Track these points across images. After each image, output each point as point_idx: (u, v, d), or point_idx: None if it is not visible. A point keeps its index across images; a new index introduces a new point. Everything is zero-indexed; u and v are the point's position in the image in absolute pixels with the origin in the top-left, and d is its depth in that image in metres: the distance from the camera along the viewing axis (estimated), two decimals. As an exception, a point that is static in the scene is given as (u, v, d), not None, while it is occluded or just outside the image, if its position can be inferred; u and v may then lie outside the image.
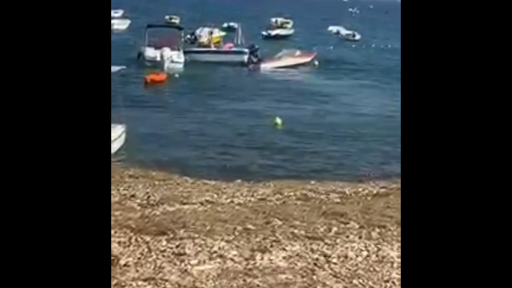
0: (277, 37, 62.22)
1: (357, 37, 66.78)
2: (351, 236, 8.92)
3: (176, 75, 36.03)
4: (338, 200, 12.69)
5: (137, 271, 7.26)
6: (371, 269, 7.63)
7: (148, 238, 8.38)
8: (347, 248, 8.34)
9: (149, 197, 12.01)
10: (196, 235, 8.52)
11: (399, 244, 8.06)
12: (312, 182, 15.09)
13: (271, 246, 8.26)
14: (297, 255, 7.97)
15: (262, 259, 7.77)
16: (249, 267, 7.51)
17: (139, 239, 8.36)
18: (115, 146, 16.85)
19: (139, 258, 7.67)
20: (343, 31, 70.24)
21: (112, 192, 11.40)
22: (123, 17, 64.69)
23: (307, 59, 44.10)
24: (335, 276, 7.36)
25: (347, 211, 10.57)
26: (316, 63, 43.84)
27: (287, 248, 8.17)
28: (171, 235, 8.53)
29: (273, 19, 74.56)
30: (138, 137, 19.69)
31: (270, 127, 23.93)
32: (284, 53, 43.56)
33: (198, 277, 7.11)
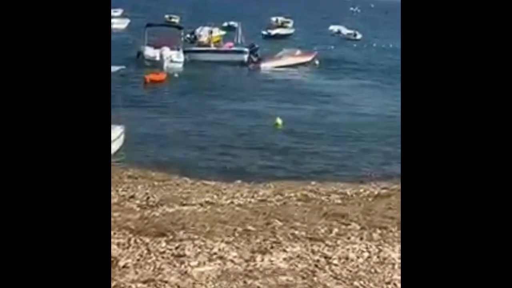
0: (277, 36, 62.22)
1: (358, 36, 66.76)
2: (352, 238, 8.92)
3: (176, 75, 36.04)
4: (339, 201, 12.69)
5: (136, 272, 7.26)
6: (372, 270, 7.63)
7: (147, 240, 8.38)
8: (348, 249, 8.34)
9: (148, 198, 12.01)
10: (196, 237, 8.52)
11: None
12: (313, 183, 15.09)
13: (272, 247, 8.26)
14: (298, 256, 7.97)
15: (262, 260, 7.76)
16: (249, 268, 7.51)
17: (138, 240, 8.36)
18: (113, 147, 16.86)
19: (138, 260, 7.67)
20: (344, 31, 70.22)
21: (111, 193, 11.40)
22: (122, 16, 64.68)
23: (308, 59, 44.12)
24: (336, 277, 7.36)
25: (348, 212, 10.57)
26: (317, 62, 43.85)
27: (287, 250, 8.17)
28: (171, 237, 8.53)
29: (274, 18, 74.53)
30: (137, 137, 19.70)
31: (270, 127, 23.94)
32: (285, 53, 43.57)
33: (198, 278, 7.11)
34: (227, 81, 35.93)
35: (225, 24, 58.51)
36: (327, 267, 7.66)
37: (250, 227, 9.21)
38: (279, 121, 24.30)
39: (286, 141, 21.76)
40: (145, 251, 7.97)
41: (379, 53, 53.03)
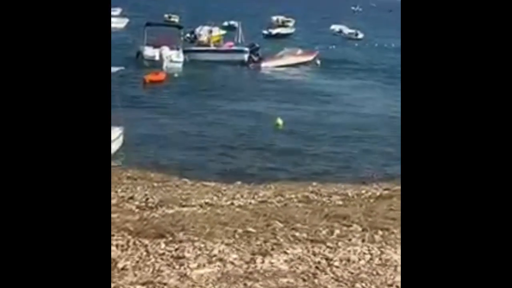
0: (278, 36, 62.26)
1: (360, 36, 66.78)
2: (354, 239, 8.92)
3: (176, 75, 36.06)
4: (341, 203, 12.69)
5: (135, 274, 7.26)
6: (374, 272, 7.64)
7: (146, 241, 8.38)
8: (349, 251, 8.34)
9: (147, 199, 12.02)
10: (196, 238, 8.53)
11: (403, 247, 8.05)
12: (314, 184, 15.10)
13: (272, 249, 8.26)
14: (299, 258, 7.97)
15: (263, 262, 7.77)
16: (250, 270, 7.51)
17: (137, 242, 8.36)
18: (112, 148, 16.88)
19: (137, 262, 7.67)
20: (346, 30, 70.24)
21: (110, 194, 11.39)
22: (121, 15, 64.66)
23: (309, 58, 44.15)
24: (337, 280, 7.37)
25: (349, 213, 10.58)
26: (318, 62, 43.87)
27: (288, 251, 8.17)
28: (170, 238, 8.53)
29: (274, 18, 74.57)
30: (136, 138, 19.71)
31: (271, 128, 23.95)
32: (286, 52, 43.60)
33: (197, 281, 7.11)
34: (227, 81, 35.94)
35: (225, 23, 58.53)
36: (328, 269, 7.66)
37: (250, 229, 9.22)
38: (279, 121, 24.31)
39: (287, 142, 21.77)
40: (144, 253, 7.97)
41: (381, 52, 53.03)
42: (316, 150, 20.86)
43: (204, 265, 7.58)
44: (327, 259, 8.02)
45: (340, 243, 8.66)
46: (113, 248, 7.92)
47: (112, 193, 11.90)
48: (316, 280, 7.29)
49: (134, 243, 8.31)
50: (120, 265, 7.47)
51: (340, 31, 70.74)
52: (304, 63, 43.33)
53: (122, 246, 8.18)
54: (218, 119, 25.25)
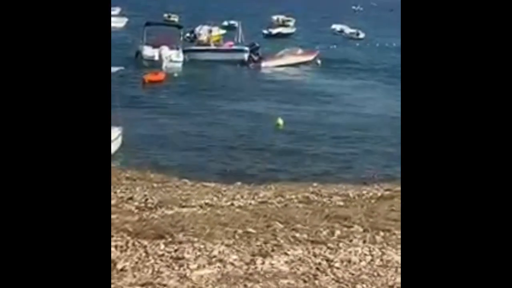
0: (279, 35, 62.25)
1: (361, 35, 66.75)
2: (355, 240, 8.91)
3: (175, 75, 36.07)
4: (341, 203, 12.68)
5: (134, 276, 7.26)
6: (375, 274, 7.63)
7: (146, 242, 8.38)
8: (350, 252, 8.34)
9: (147, 200, 12.01)
10: (195, 239, 8.52)
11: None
12: (315, 184, 15.10)
13: (273, 250, 8.25)
14: (299, 259, 7.97)
15: (263, 263, 7.76)
16: (250, 271, 7.51)
17: (136, 243, 8.36)
18: (111, 149, 16.88)
19: (136, 263, 7.67)
20: (347, 30, 70.20)
21: (109, 194, 11.37)
22: (120, 15, 64.62)
23: (310, 58, 44.14)
24: (338, 281, 7.36)
25: (350, 214, 10.57)
26: (319, 62, 43.86)
27: (288, 252, 8.17)
28: (170, 239, 8.53)
29: (275, 17, 74.54)
30: (135, 138, 19.71)
31: (271, 128, 23.96)
32: (286, 52, 43.60)
33: (197, 282, 7.11)
34: (227, 81, 35.95)
35: (225, 23, 58.54)
36: (329, 270, 7.66)
37: (250, 230, 9.21)
38: (280, 121, 24.31)
39: (287, 142, 21.77)
40: (144, 254, 7.97)
41: (382, 52, 53.01)
42: (317, 150, 20.87)
43: (204, 266, 7.58)
44: (327, 260, 8.01)
45: (341, 244, 8.66)
46: (112, 249, 7.92)
47: (111, 194, 11.90)
48: (316, 281, 7.28)
49: (133, 244, 8.31)
50: (119, 266, 7.47)
51: (341, 31, 70.69)
52: (305, 63, 43.33)
53: (121, 247, 8.17)
54: (218, 119, 25.26)
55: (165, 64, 37.88)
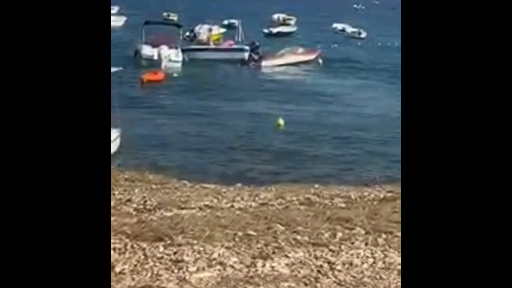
0: (279, 34, 62.23)
1: (363, 34, 66.73)
2: (357, 242, 8.91)
3: (175, 75, 36.07)
4: (343, 205, 12.69)
5: (133, 279, 7.26)
6: (377, 276, 7.63)
7: (144, 245, 8.38)
8: (352, 254, 8.34)
9: (145, 201, 12.01)
10: (195, 241, 8.52)
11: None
12: (316, 186, 15.10)
13: (273, 252, 8.25)
14: (300, 262, 7.97)
15: (263, 266, 7.76)
16: (250, 274, 7.51)
17: (135, 245, 8.36)
18: (109, 149, 16.87)
19: (135, 265, 7.67)
20: (349, 29, 70.18)
21: (107, 196, 11.37)
22: (119, 13, 64.57)
23: (311, 57, 44.12)
24: (339, 284, 7.37)
25: (352, 216, 10.57)
26: (320, 61, 43.85)
27: (289, 255, 8.17)
28: (169, 241, 8.53)
29: (275, 16, 74.54)
30: (134, 139, 19.71)
31: (271, 128, 23.95)
32: (287, 51, 43.59)
33: (196, 285, 7.11)
34: (227, 80, 35.95)
35: (225, 22, 58.53)
36: (330, 273, 7.66)
37: (251, 232, 9.21)
38: (281, 121, 24.31)
39: (288, 143, 21.78)
40: (142, 257, 7.97)
41: (384, 51, 52.98)
42: (318, 151, 20.87)
43: (203, 269, 7.58)
44: (329, 262, 8.01)
45: (342, 247, 8.66)
46: (110, 251, 7.92)
47: (110, 195, 11.90)
48: (318, 285, 7.29)
49: (132, 247, 8.31)
50: (117, 269, 7.47)
51: (343, 30, 70.67)
52: (306, 62, 43.31)
53: (120, 249, 8.17)
54: (218, 119, 25.26)
55: (164, 63, 37.88)
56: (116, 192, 12.72)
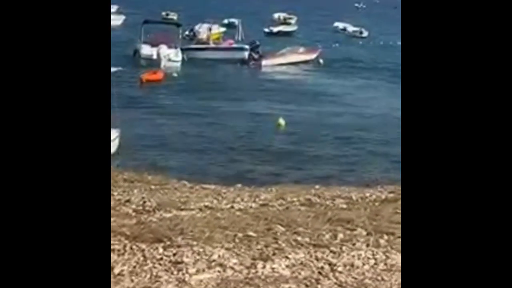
0: (280, 33, 62.27)
1: (364, 33, 66.73)
2: (358, 244, 8.91)
3: (174, 74, 36.08)
4: (344, 206, 12.68)
5: (132, 280, 7.27)
6: (379, 278, 7.64)
7: (143, 246, 8.38)
8: (353, 256, 8.34)
9: (144, 202, 12.00)
10: (195, 243, 8.52)
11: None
12: (317, 186, 15.09)
13: (274, 254, 8.25)
14: (301, 263, 7.97)
15: (264, 267, 7.77)
16: (250, 276, 7.51)
17: (134, 246, 8.36)
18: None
19: (134, 267, 7.67)
20: (350, 28, 70.18)
21: (106, 197, 11.36)
22: (117, 12, 64.58)
23: (311, 57, 44.14)
24: (340, 285, 7.37)
25: (353, 217, 10.56)
26: (321, 61, 43.84)
27: (290, 256, 8.16)
28: (168, 243, 8.53)
29: (276, 15, 74.57)
30: (133, 139, 19.72)
31: (272, 128, 23.97)
32: (287, 50, 43.60)
33: (196, 286, 7.11)
34: (227, 80, 35.97)
35: (225, 21, 58.59)
36: (331, 275, 7.66)
37: (251, 233, 9.21)
38: (281, 121, 24.32)
39: (289, 143, 21.79)
40: (141, 258, 7.97)
41: (386, 50, 52.98)
42: (319, 151, 20.88)
43: (203, 271, 7.58)
44: (330, 264, 8.01)
45: (343, 248, 8.66)
46: (109, 253, 7.92)
47: (108, 196, 11.89)
48: (319, 286, 7.29)
49: (131, 248, 8.31)
50: (116, 271, 7.47)
51: (344, 29, 70.67)
52: (306, 62, 43.33)
53: (119, 251, 8.17)
54: (217, 119, 25.28)
55: (163, 63, 37.89)
56: (115, 193, 12.72)
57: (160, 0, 76.89)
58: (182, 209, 11.42)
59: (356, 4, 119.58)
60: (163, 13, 66.75)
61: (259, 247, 8.53)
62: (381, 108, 28.75)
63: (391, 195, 13.97)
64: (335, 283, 7.41)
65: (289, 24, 70.43)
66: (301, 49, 44.60)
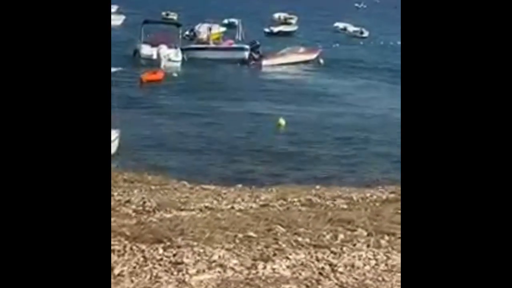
0: (280, 33, 62.27)
1: (365, 33, 66.73)
2: (359, 244, 8.91)
3: (174, 74, 36.08)
4: (345, 206, 12.68)
5: (132, 281, 7.27)
6: (380, 278, 7.64)
7: (143, 246, 8.38)
8: (354, 256, 8.34)
9: (144, 203, 12.00)
10: (195, 243, 8.52)
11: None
12: (317, 187, 15.09)
13: (274, 254, 8.26)
14: (302, 264, 7.97)
15: (264, 268, 7.77)
16: (251, 276, 7.51)
17: (134, 247, 8.36)
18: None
19: (134, 268, 7.67)
20: (350, 28, 70.19)
21: (106, 197, 11.36)
22: (117, 12, 64.59)
23: (312, 57, 44.14)
24: (341, 286, 7.37)
25: (354, 217, 10.56)
26: (321, 61, 43.84)
27: (290, 257, 8.17)
28: (168, 243, 8.53)
29: (276, 15, 74.58)
30: (133, 140, 19.72)
31: (272, 129, 23.97)
32: (288, 50, 43.60)
33: (196, 287, 7.12)
34: (227, 80, 35.97)
35: (225, 21, 58.59)
36: (332, 275, 7.66)
37: (251, 234, 9.21)
38: (282, 121, 24.32)
39: (289, 144, 21.79)
40: (141, 259, 7.97)
41: (387, 51, 52.97)
42: (319, 152, 20.88)
43: (203, 271, 7.58)
44: (331, 264, 8.01)
45: (344, 248, 8.66)
46: (109, 253, 7.92)
47: (108, 197, 11.88)
48: (319, 287, 7.29)
49: (131, 248, 8.31)
50: (116, 271, 7.47)
51: (344, 29, 70.66)
52: (307, 62, 43.32)
53: (119, 251, 8.17)
54: (217, 119, 25.28)
55: (163, 63, 37.90)
56: (115, 193, 12.71)
57: (160, 0, 76.91)
58: (182, 210, 11.42)
59: (357, 4, 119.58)
60: (163, 13, 66.76)
61: (259, 247, 8.53)
62: (382, 109, 28.75)
63: (392, 195, 13.97)
64: (336, 284, 7.41)
65: (289, 24, 70.43)
66: (302, 49, 44.60)
